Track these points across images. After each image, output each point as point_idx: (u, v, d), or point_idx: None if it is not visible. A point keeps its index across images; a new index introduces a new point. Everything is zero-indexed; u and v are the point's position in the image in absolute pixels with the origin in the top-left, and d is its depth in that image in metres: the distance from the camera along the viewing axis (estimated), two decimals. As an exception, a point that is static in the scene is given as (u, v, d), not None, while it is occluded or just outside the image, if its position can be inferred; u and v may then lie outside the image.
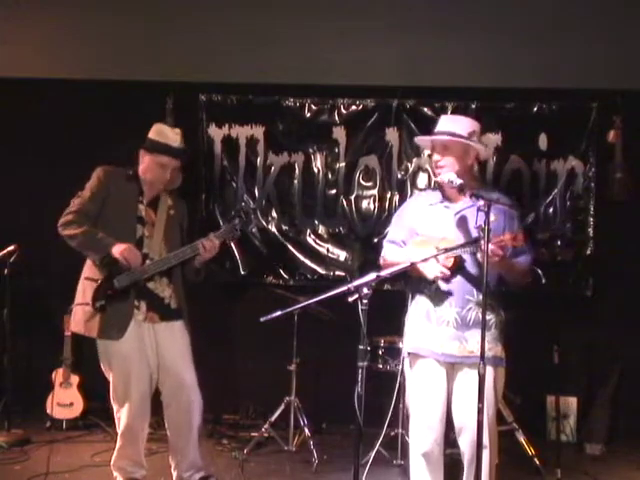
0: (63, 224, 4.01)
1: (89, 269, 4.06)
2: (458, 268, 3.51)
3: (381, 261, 3.76)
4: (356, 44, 5.66)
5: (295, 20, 5.73)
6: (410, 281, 3.74)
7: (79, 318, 4.04)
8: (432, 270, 3.49)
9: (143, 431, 4.15)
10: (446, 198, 3.66)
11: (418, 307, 3.65)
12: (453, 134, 3.59)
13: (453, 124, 3.66)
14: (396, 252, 3.69)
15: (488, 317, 3.49)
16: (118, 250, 3.91)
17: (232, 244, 4.40)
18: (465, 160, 3.61)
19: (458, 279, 3.54)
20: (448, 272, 3.47)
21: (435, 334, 3.56)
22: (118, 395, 4.06)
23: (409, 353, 3.66)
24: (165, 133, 4.11)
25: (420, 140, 3.93)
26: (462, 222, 3.57)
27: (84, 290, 4.04)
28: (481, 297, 3.38)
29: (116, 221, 4.03)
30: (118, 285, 3.95)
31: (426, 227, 3.64)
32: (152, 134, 4.12)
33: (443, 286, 3.55)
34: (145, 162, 4.08)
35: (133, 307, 4.01)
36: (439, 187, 3.72)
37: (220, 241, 4.05)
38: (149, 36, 5.81)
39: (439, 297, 3.56)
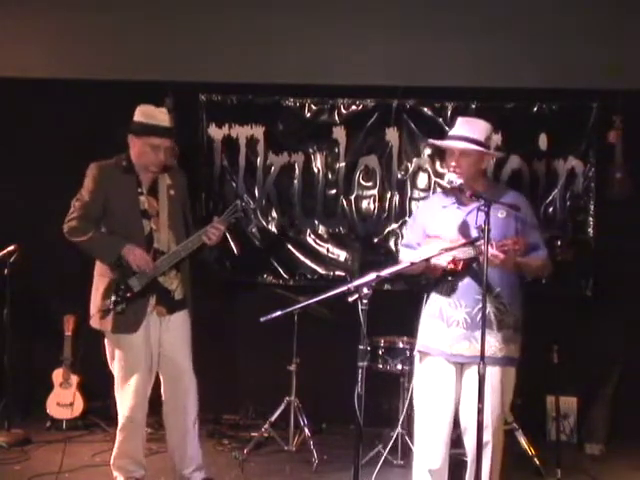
0: (68, 231, 4.01)
1: (101, 266, 4.06)
2: (467, 268, 3.53)
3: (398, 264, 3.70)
4: (356, 44, 5.67)
5: (295, 20, 5.74)
6: (427, 281, 3.77)
7: (95, 315, 4.05)
8: (444, 260, 3.51)
9: (143, 426, 4.16)
10: (460, 199, 3.68)
11: (432, 306, 3.69)
12: (471, 140, 3.60)
13: (472, 129, 3.65)
14: (410, 254, 3.70)
15: (500, 317, 3.56)
16: (130, 255, 3.92)
17: (230, 240, 4.38)
18: (479, 164, 3.66)
19: (468, 279, 3.56)
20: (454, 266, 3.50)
21: (446, 334, 3.59)
22: (122, 385, 4.07)
23: (419, 351, 3.70)
24: (152, 114, 4.04)
25: (433, 143, 3.86)
26: (465, 223, 3.61)
27: (97, 287, 4.06)
28: (491, 296, 3.48)
29: (122, 218, 4.03)
30: (135, 287, 3.97)
31: (438, 228, 3.67)
32: (138, 117, 4.05)
33: (456, 285, 3.58)
34: (136, 147, 4.03)
35: (147, 302, 4.03)
36: (453, 188, 3.73)
37: (225, 226, 4.05)
38: (149, 36, 5.82)
39: (450, 296, 3.59)
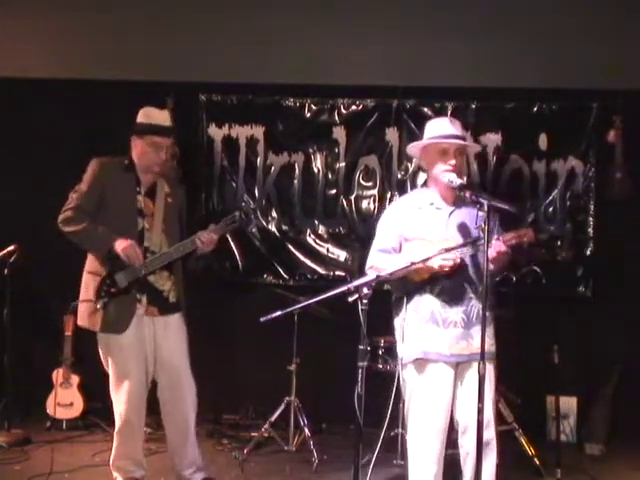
0: (63, 221, 4.02)
1: (91, 263, 4.07)
2: (459, 268, 3.52)
3: (368, 272, 3.60)
4: (356, 44, 5.67)
5: (295, 20, 5.74)
6: (407, 285, 3.65)
7: (83, 312, 4.06)
8: (434, 262, 3.46)
9: (140, 428, 4.16)
10: (442, 199, 3.65)
11: (420, 311, 3.61)
12: (462, 138, 3.64)
13: (456, 127, 3.66)
14: (389, 259, 3.60)
15: (488, 313, 3.51)
16: (120, 247, 3.92)
17: (230, 240, 4.40)
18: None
19: (459, 278, 3.55)
20: (458, 261, 3.48)
21: (443, 336, 3.55)
22: (116, 387, 4.07)
23: (416, 359, 3.62)
24: (152, 115, 4.12)
25: (424, 145, 3.72)
26: (461, 223, 3.60)
27: (87, 285, 4.05)
28: (480, 293, 3.44)
29: (116, 214, 4.04)
30: (121, 283, 3.97)
31: (417, 230, 3.62)
32: (140, 118, 4.12)
33: (447, 285, 3.55)
34: (138, 147, 4.08)
35: (135, 302, 4.02)
36: (434, 188, 3.70)
37: (219, 235, 4.06)
38: (149, 36, 5.82)
39: (444, 297, 3.56)
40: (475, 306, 3.55)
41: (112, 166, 4.11)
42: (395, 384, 3.74)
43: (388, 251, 3.67)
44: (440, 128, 3.67)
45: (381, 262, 3.62)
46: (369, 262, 3.71)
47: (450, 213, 3.62)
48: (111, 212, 4.04)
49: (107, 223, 4.01)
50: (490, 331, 3.57)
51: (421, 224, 3.62)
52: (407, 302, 3.64)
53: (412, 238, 3.63)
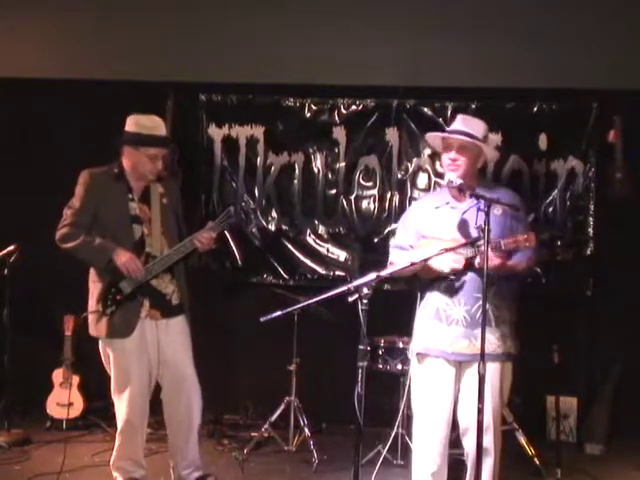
0: (60, 238, 4.02)
1: (94, 272, 4.07)
2: (468, 266, 3.53)
3: (388, 267, 3.69)
4: (356, 44, 5.67)
5: (295, 20, 5.74)
6: (420, 282, 3.73)
7: (90, 321, 4.06)
8: (445, 264, 3.50)
9: (142, 429, 4.15)
10: (453, 198, 3.68)
11: (428, 307, 3.66)
12: (473, 136, 3.61)
13: (470, 125, 3.67)
14: (403, 256, 3.67)
15: (497, 314, 3.56)
16: (120, 260, 3.92)
17: (230, 240, 4.40)
18: (476, 162, 3.67)
19: (467, 277, 3.56)
20: (461, 266, 3.49)
21: (445, 333, 3.58)
22: (118, 390, 4.07)
23: (418, 353, 3.67)
24: (146, 124, 4.04)
25: (432, 137, 3.82)
26: (464, 222, 3.60)
27: (93, 294, 4.06)
28: (490, 294, 3.44)
29: (112, 224, 4.03)
30: (125, 290, 3.97)
31: (433, 229, 3.65)
32: (132, 127, 4.04)
33: (454, 284, 3.56)
34: (132, 157, 4.03)
35: (140, 306, 4.03)
36: (446, 188, 3.73)
37: (217, 232, 4.05)
38: (149, 36, 5.82)
39: (450, 295, 3.57)
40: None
41: (102, 177, 4.07)
42: (408, 381, 3.76)
43: (405, 248, 3.73)
44: (453, 125, 3.72)
45: (397, 259, 3.70)
46: (390, 258, 3.80)
47: (464, 212, 3.63)
48: (105, 224, 4.03)
49: (104, 234, 4.01)
50: (498, 332, 3.56)
51: (435, 223, 3.66)
52: (420, 298, 3.71)
53: (426, 236, 3.67)
